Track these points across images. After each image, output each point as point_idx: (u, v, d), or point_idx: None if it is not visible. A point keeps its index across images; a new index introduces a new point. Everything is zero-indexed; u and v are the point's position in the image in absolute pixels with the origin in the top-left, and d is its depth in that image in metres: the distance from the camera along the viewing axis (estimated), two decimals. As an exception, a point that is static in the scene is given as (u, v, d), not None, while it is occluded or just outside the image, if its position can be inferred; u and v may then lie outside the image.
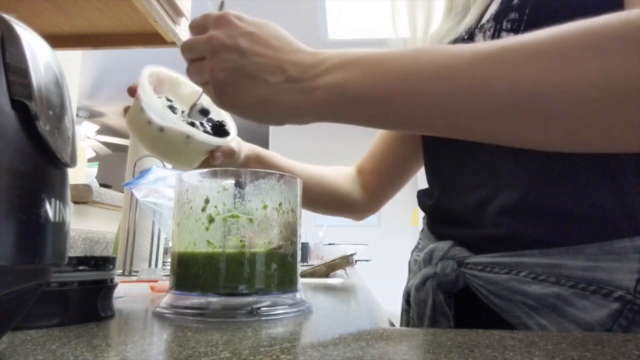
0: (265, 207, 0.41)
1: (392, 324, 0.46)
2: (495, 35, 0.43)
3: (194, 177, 0.43)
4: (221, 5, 0.41)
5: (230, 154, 0.56)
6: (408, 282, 0.56)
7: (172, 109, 0.52)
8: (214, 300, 0.39)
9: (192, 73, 0.40)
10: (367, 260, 2.47)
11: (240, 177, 0.42)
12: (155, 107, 0.50)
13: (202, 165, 0.55)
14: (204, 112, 0.54)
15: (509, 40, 0.30)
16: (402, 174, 0.72)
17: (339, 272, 1.07)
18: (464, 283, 0.46)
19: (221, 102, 0.38)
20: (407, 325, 0.53)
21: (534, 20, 0.40)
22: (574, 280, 0.39)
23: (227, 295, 0.39)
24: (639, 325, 0.36)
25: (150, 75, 0.54)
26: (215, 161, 0.54)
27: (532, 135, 0.31)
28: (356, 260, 1.22)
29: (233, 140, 0.56)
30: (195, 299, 0.39)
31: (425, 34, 0.57)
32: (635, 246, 0.37)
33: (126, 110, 0.55)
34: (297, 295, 0.43)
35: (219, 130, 0.54)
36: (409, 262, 0.60)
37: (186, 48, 0.39)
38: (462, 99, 0.30)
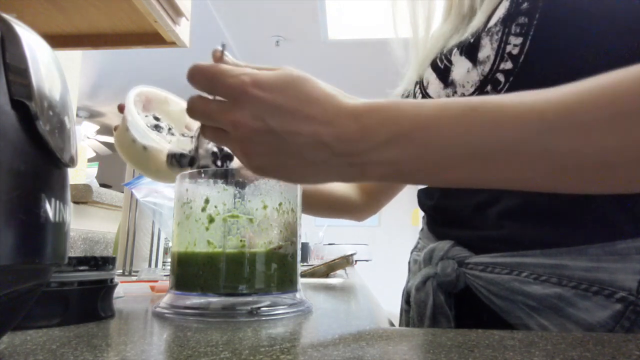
0: (265, 207, 0.41)
1: (392, 324, 0.46)
2: (503, 39, 0.42)
3: (194, 177, 0.43)
4: (223, 48, 0.35)
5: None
6: (408, 282, 0.56)
7: (157, 128, 0.52)
8: (214, 300, 0.39)
9: (213, 139, 0.35)
10: (367, 260, 2.47)
11: (241, 177, 0.42)
12: (138, 127, 0.50)
13: None
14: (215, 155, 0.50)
15: (568, 96, 0.29)
16: None
17: (339, 272, 1.07)
18: (464, 283, 0.45)
19: (263, 176, 0.35)
20: (407, 325, 0.53)
21: (543, 26, 0.40)
22: (576, 281, 0.38)
23: (227, 295, 0.39)
24: None
25: (139, 94, 0.54)
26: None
27: (592, 189, 0.32)
28: (356, 260, 1.22)
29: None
30: (195, 299, 0.39)
31: (426, 34, 0.57)
32: (638, 247, 0.37)
33: (116, 129, 0.55)
34: (297, 295, 0.43)
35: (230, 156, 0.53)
36: (409, 262, 0.60)
37: (201, 113, 0.34)
38: (529, 169, 0.30)
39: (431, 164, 0.30)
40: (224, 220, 0.40)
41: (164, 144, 0.50)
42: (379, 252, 3.72)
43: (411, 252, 0.60)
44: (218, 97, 0.33)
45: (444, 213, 0.53)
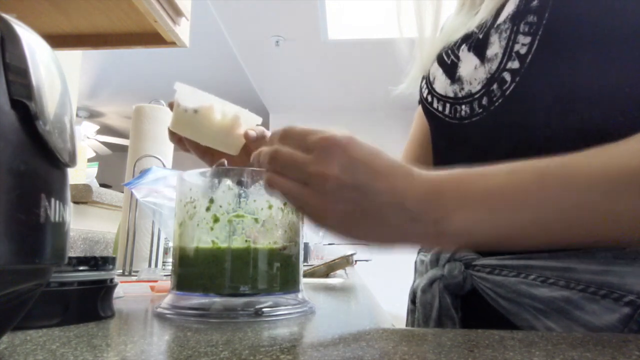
0: (270, 207, 0.41)
1: (391, 324, 0.46)
2: (512, 38, 0.42)
3: (197, 176, 0.43)
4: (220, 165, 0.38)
5: (263, 137, 0.58)
6: (414, 282, 0.56)
7: None
8: (216, 300, 0.39)
9: (281, 189, 0.34)
10: (367, 260, 2.47)
11: (245, 177, 0.42)
12: (185, 93, 0.56)
13: (244, 158, 0.60)
14: None
15: (626, 161, 0.31)
16: None
17: (339, 272, 1.07)
18: (471, 285, 0.45)
19: (334, 232, 0.34)
20: (413, 325, 0.52)
21: (552, 26, 0.39)
22: (584, 284, 0.38)
23: (229, 295, 0.39)
24: None
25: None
26: (250, 138, 0.57)
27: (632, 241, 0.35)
28: (356, 260, 1.22)
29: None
30: (197, 300, 0.39)
31: (433, 34, 0.56)
32: None
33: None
34: (300, 295, 0.43)
35: None
36: (415, 262, 0.59)
37: (285, 159, 0.33)
38: (590, 231, 0.32)
39: (503, 230, 0.32)
40: (229, 221, 0.40)
41: (212, 98, 0.56)
42: (379, 252, 3.72)
43: (417, 253, 0.60)
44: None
45: None
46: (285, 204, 0.42)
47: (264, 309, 0.38)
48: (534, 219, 0.31)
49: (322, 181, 0.31)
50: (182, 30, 0.93)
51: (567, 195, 0.31)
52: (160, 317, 0.38)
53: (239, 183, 0.41)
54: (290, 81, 4.04)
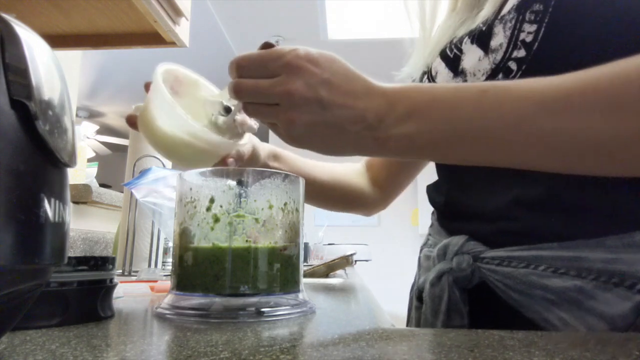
0: (271, 207, 0.41)
1: (391, 324, 0.46)
2: (517, 27, 0.42)
3: (197, 176, 0.43)
4: (266, 46, 0.39)
5: (240, 158, 0.54)
6: (418, 278, 0.55)
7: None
8: (216, 300, 0.39)
9: (256, 114, 0.39)
10: (366, 260, 2.47)
11: (245, 177, 0.42)
12: (164, 104, 0.46)
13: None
14: (227, 110, 0.49)
15: (569, 83, 0.32)
16: (412, 167, 0.72)
17: (339, 272, 1.07)
18: (479, 278, 0.45)
19: (295, 145, 0.38)
20: (418, 322, 0.52)
21: (559, 13, 0.40)
22: (596, 273, 0.38)
23: (230, 295, 0.39)
24: None
25: (167, 72, 0.49)
26: (229, 166, 0.51)
27: (591, 171, 0.35)
28: (356, 260, 1.22)
29: (246, 144, 0.53)
30: (197, 300, 0.39)
31: (432, 23, 0.57)
32: None
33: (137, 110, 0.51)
34: (300, 295, 0.42)
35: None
36: (419, 259, 0.59)
37: (250, 91, 0.38)
38: (526, 148, 0.33)
39: (441, 139, 0.34)
40: (229, 220, 0.40)
41: (192, 123, 0.45)
42: (379, 252, 3.72)
43: (421, 249, 0.60)
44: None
45: (456, 208, 0.53)
46: (285, 204, 0.42)
47: (264, 309, 0.38)
48: (468, 129, 0.34)
49: (289, 97, 0.35)
50: (182, 30, 0.93)
51: (500, 109, 0.33)
52: (160, 317, 0.38)
53: (240, 183, 0.41)
54: (290, 81, 4.03)
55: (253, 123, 0.49)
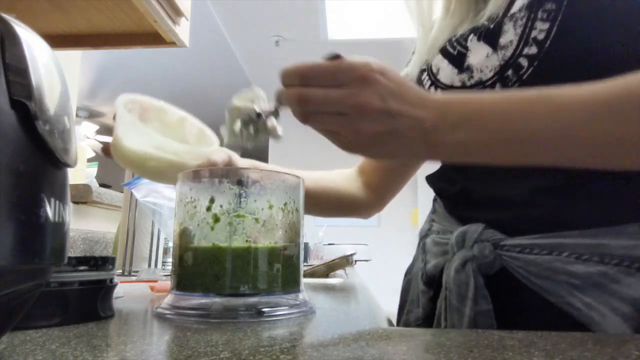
0: (271, 207, 0.41)
1: (390, 324, 0.46)
2: (529, 25, 0.44)
3: (198, 176, 0.43)
4: (333, 57, 0.37)
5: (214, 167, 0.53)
6: (425, 263, 0.56)
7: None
8: (217, 300, 0.39)
9: (318, 123, 0.38)
10: (366, 260, 2.47)
11: (245, 177, 0.42)
12: (127, 124, 0.49)
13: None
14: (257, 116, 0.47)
15: (611, 91, 0.35)
16: (406, 168, 0.72)
17: (339, 272, 1.07)
18: (499, 265, 0.46)
19: (351, 152, 0.39)
20: (430, 307, 0.53)
21: (571, 12, 0.41)
22: (618, 259, 0.40)
23: (230, 295, 0.39)
24: None
25: (132, 102, 0.52)
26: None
27: (626, 165, 0.38)
28: (356, 260, 1.22)
29: (220, 154, 0.53)
30: (197, 300, 0.39)
31: (429, 18, 0.58)
32: None
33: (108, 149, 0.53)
34: (301, 295, 0.42)
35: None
36: (424, 244, 0.59)
37: (319, 101, 0.36)
38: (574, 148, 0.36)
39: (491, 145, 0.37)
40: (229, 220, 0.40)
41: (155, 136, 0.49)
42: (379, 252, 3.72)
43: (425, 235, 0.60)
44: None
45: (470, 196, 0.53)
46: (285, 204, 0.42)
47: (264, 309, 0.38)
48: (517, 136, 0.36)
49: (362, 111, 0.35)
50: (182, 30, 0.93)
51: (551, 116, 0.35)
52: (160, 317, 0.38)
53: (240, 183, 0.41)
54: (290, 81, 4.04)
55: (280, 130, 0.48)
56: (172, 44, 0.95)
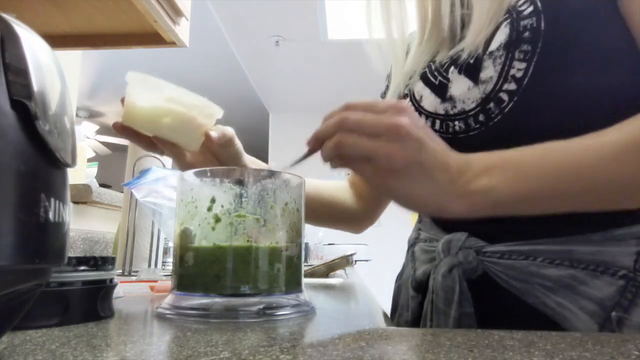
0: (272, 207, 0.41)
1: (388, 320, 0.46)
2: (507, 63, 0.47)
3: (199, 176, 0.43)
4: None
5: (222, 135, 0.53)
6: (414, 270, 0.59)
7: None
8: (218, 301, 0.39)
9: (354, 148, 0.37)
10: (366, 260, 2.47)
11: (246, 177, 0.42)
12: (136, 83, 0.50)
13: (207, 155, 0.55)
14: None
15: (615, 136, 0.38)
16: None
17: (339, 272, 1.07)
18: (482, 270, 0.50)
19: (384, 187, 0.38)
20: (419, 311, 0.56)
21: (546, 53, 0.45)
22: (585, 263, 0.44)
23: (231, 296, 0.39)
24: None
25: (137, 76, 0.52)
26: (211, 140, 0.51)
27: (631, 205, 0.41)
28: (356, 260, 1.22)
29: (228, 128, 0.54)
30: (198, 300, 0.39)
31: (401, 36, 0.61)
32: (632, 233, 0.44)
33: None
34: (302, 296, 0.42)
35: None
36: (412, 252, 0.63)
37: (357, 119, 0.37)
38: (598, 191, 0.39)
39: (518, 190, 0.38)
40: (230, 220, 0.40)
41: (167, 89, 0.50)
42: (379, 252, 3.72)
43: (413, 243, 0.64)
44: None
45: None
46: (286, 204, 0.42)
47: (265, 310, 0.38)
48: (544, 185, 0.38)
49: (396, 128, 0.36)
50: (182, 30, 0.93)
51: (564, 166, 0.38)
52: (161, 317, 0.38)
53: (240, 183, 0.41)
54: (290, 81, 4.04)
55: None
56: (172, 44, 0.95)
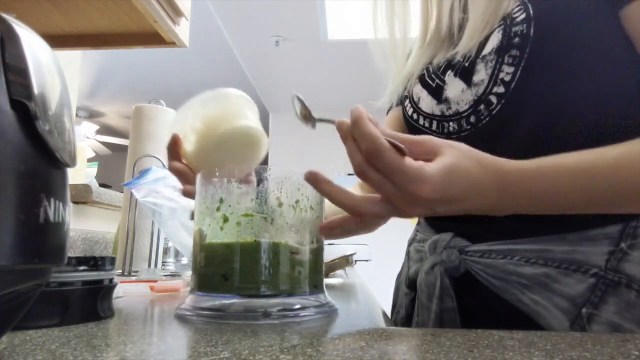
0: (295, 207, 0.40)
1: (387, 319, 0.46)
2: (497, 67, 0.49)
3: (219, 174, 0.42)
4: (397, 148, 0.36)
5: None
6: (409, 269, 0.62)
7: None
8: (236, 301, 0.38)
9: (380, 185, 0.37)
10: (366, 260, 2.47)
11: (270, 177, 0.41)
12: (219, 99, 0.51)
13: None
14: None
15: (622, 156, 0.40)
16: None
17: (339, 272, 1.07)
18: (464, 268, 0.52)
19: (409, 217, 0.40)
20: (410, 308, 0.59)
21: (533, 59, 0.47)
22: (559, 262, 0.46)
23: (249, 296, 0.38)
24: (611, 295, 0.44)
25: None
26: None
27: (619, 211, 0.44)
28: (356, 260, 1.22)
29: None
30: (217, 301, 0.38)
31: (403, 37, 0.63)
32: (605, 233, 0.46)
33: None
34: (322, 296, 0.42)
35: None
36: (408, 252, 0.66)
37: (375, 183, 0.37)
38: (576, 202, 0.41)
39: (522, 206, 0.40)
40: (248, 223, 0.39)
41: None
42: (379, 252, 3.72)
43: (409, 243, 0.68)
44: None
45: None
46: (311, 207, 0.42)
47: (285, 311, 0.37)
48: (546, 199, 0.40)
49: (412, 197, 0.36)
50: (182, 30, 0.93)
51: (559, 180, 0.39)
52: (180, 318, 0.38)
53: (263, 182, 0.40)
54: (290, 81, 4.04)
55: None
56: (172, 44, 0.95)
